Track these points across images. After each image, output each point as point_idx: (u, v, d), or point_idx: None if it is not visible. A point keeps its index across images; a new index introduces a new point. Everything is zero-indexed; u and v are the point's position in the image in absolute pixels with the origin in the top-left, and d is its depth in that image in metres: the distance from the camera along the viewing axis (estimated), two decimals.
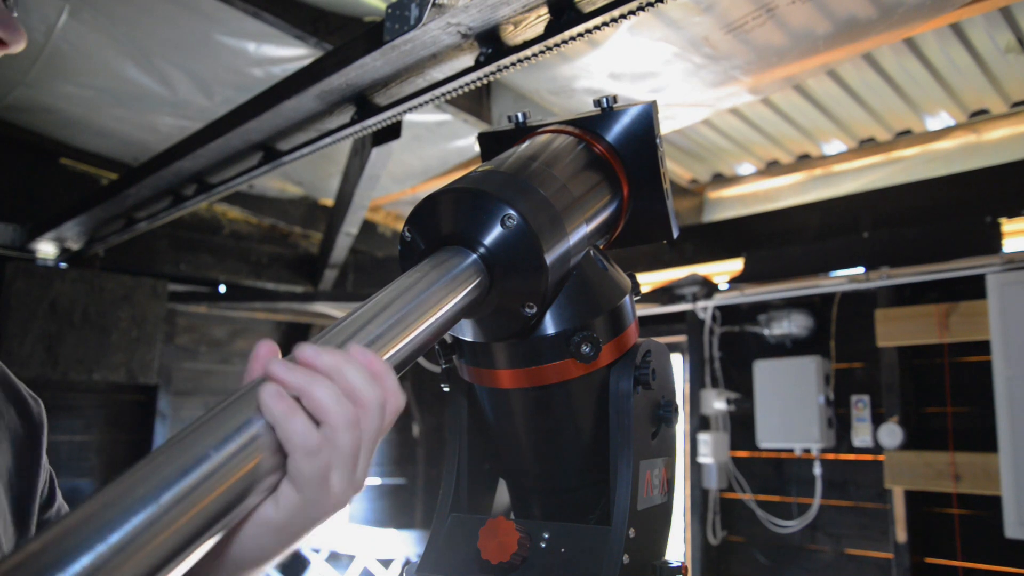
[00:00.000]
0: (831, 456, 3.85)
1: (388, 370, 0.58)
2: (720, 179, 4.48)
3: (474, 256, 0.70)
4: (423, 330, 0.64)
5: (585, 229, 0.78)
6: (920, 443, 3.52)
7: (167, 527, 0.45)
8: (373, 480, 5.46)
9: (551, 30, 1.60)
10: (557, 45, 1.62)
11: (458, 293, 0.67)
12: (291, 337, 5.19)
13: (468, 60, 1.78)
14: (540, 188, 0.74)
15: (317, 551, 4.71)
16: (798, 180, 4.24)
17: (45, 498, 0.95)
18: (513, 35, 1.67)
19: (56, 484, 0.99)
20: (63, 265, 3.90)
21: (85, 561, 0.42)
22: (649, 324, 4.49)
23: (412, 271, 0.68)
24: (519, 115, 0.92)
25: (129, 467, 0.47)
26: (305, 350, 0.55)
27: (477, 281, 0.69)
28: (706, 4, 2.38)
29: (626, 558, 0.74)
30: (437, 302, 0.66)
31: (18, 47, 0.83)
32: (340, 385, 0.54)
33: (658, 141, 0.87)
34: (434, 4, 1.54)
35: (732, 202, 4.49)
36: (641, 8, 1.48)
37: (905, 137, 3.82)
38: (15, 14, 0.82)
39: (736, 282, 4.07)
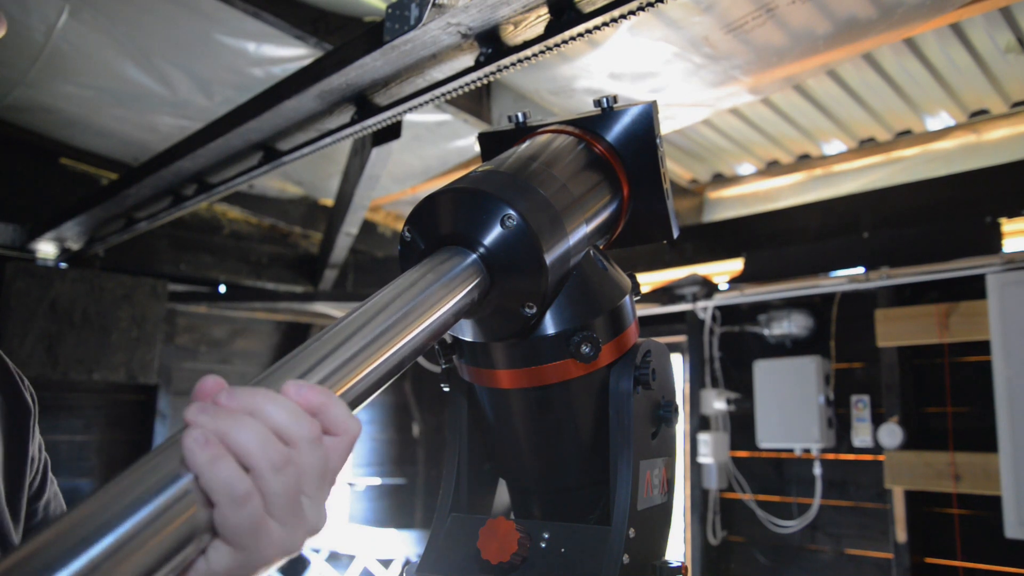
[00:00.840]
0: (831, 456, 3.85)
1: (330, 400, 0.53)
2: (720, 179, 4.48)
3: (474, 256, 0.70)
4: (422, 330, 0.64)
5: (585, 229, 0.78)
6: (920, 443, 3.52)
7: None
8: (373, 480, 5.46)
9: (551, 30, 1.60)
10: (557, 45, 1.62)
11: (457, 293, 0.67)
12: (291, 337, 5.19)
13: (468, 60, 1.78)
14: (540, 188, 0.74)
15: (317, 551, 4.71)
16: (798, 180, 4.24)
17: (36, 488, 0.93)
18: (513, 35, 1.67)
19: (49, 473, 0.96)
20: (63, 265, 3.90)
21: None
22: (649, 324, 4.49)
23: (412, 271, 0.68)
24: (519, 115, 0.92)
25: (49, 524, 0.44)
26: (222, 393, 0.50)
27: (477, 281, 0.69)
28: (706, 4, 2.38)
29: (626, 558, 0.74)
30: (436, 302, 0.66)
31: None
32: (266, 424, 0.49)
33: (658, 141, 0.87)
34: (434, 4, 1.54)
35: (732, 202, 4.49)
36: (641, 8, 1.48)
37: (905, 137, 3.82)
38: None
39: (736, 282, 4.07)
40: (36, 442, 0.95)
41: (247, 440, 0.48)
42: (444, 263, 0.69)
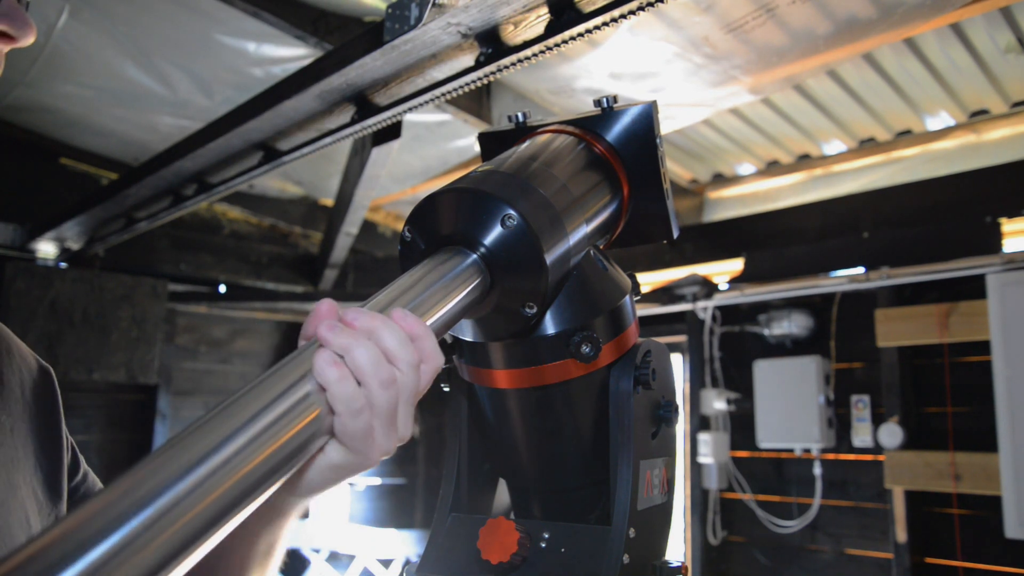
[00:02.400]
0: (831, 456, 3.85)
1: (426, 332, 0.61)
2: (720, 179, 4.48)
3: (474, 256, 0.70)
4: (445, 312, 0.65)
5: (585, 229, 0.78)
6: (920, 443, 3.52)
7: (233, 474, 0.50)
8: (373, 480, 5.46)
9: (551, 30, 1.60)
10: (557, 45, 1.62)
11: (459, 293, 0.67)
12: (291, 337, 5.19)
13: (468, 60, 1.78)
14: (540, 188, 0.74)
15: (317, 551, 4.71)
16: (798, 180, 4.24)
17: (70, 466, 0.94)
18: (513, 35, 1.67)
19: (78, 450, 0.98)
20: (63, 265, 3.90)
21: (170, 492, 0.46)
22: (649, 324, 4.49)
23: (412, 271, 0.68)
24: (519, 115, 0.92)
25: (183, 431, 0.51)
26: (349, 312, 0.59)
27: (477, 281, 0.69)
28: (706, 4, 2.38)
29: (626, 558, 0.74)
30: (437, 302, 0.66)
31: (27, 41, 0.82)
32: (379, 346, 0.58)
33: (658, 141, 0.87)
34: (434, 4, 1.54)
35: (732, 202, 4.48)
36: (641, 8, 1.48)
37: (905, 137, 3.82)
38: (26, 9, 0.80)
39: (736, 282, 4.07)
40: (63, 422, 0.96)
41: (364, 360, 0.58)
42: (445, 263, 0.69)
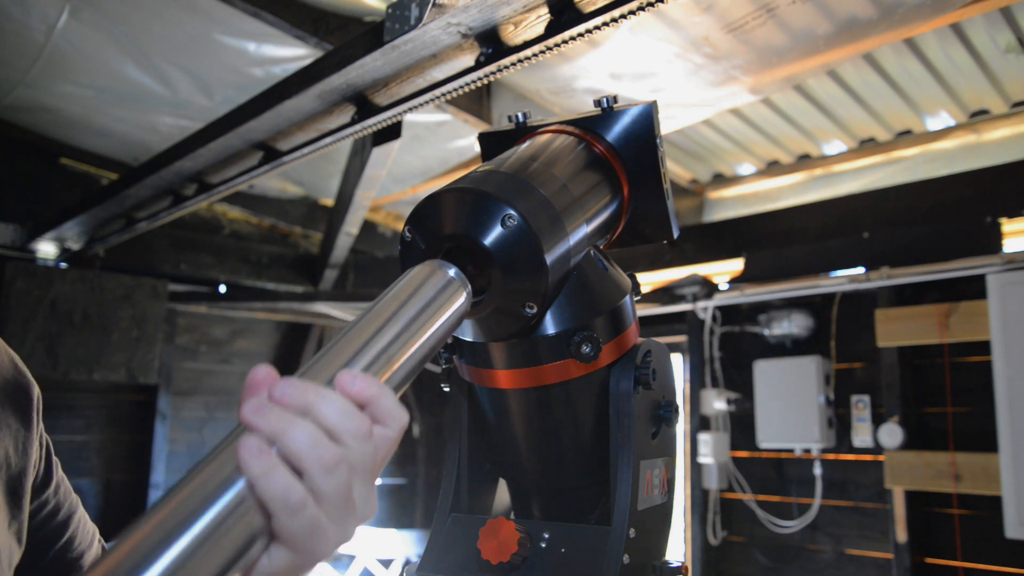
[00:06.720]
0: (831, 456, 3.85)
1: (380, 391, 0.52)
2: (720, 179, 4.48)
3: (451, 273, 0.66)
4: (414, 352, 0.60)
5: (585, 229, 0.78)
6: (920, 443, 3.52)
7: None
8: None
9: (551, 30, 1.60)
10: (557, 45, 1.62)
11: (438, 318, 0.63)
12: (291, 337, 5.19)
13: (468, 60, 1.78)
14: (540, 188, 0.74)
15: None
16: (798, 180, 4.24)
17: (41, 477, 0.92)
18: (513, 35, 1.67)
19: (54, 460, 0.95)
20: (63, 265, 3.90)
21: None
22: (649, 324, 4.49)
23: (384, 298, 0.62)
24: (519, 115, 0.92)
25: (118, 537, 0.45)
26: (276, 387, 0.50)
27: (461, 301, 0.65)
28: (706, 4, 2.38)
29: (626, 558, 0.74)
30: (415, 334, 0.61)
31: None
32: (319, 423, 0.49)
33: (658, 141, 0.87)
34: (434, 4, 1.54)
35: (732, 202, 4.48)
36: (641, 8, 1.48)
37: (905, 137, 3.82)
38: None
39: (736, 282, 4.07)
40: (39, 428, 0.94)
41: (299, 444, 0.48)
42: (422, 286, 0.64)
